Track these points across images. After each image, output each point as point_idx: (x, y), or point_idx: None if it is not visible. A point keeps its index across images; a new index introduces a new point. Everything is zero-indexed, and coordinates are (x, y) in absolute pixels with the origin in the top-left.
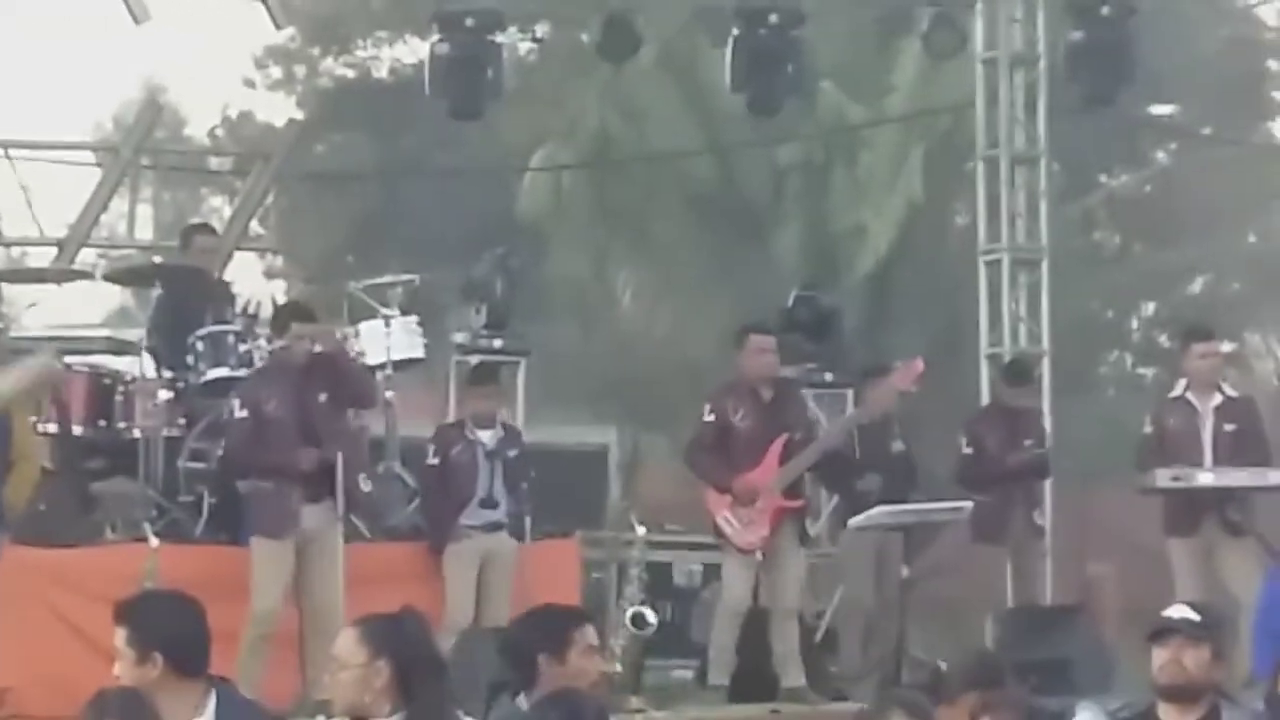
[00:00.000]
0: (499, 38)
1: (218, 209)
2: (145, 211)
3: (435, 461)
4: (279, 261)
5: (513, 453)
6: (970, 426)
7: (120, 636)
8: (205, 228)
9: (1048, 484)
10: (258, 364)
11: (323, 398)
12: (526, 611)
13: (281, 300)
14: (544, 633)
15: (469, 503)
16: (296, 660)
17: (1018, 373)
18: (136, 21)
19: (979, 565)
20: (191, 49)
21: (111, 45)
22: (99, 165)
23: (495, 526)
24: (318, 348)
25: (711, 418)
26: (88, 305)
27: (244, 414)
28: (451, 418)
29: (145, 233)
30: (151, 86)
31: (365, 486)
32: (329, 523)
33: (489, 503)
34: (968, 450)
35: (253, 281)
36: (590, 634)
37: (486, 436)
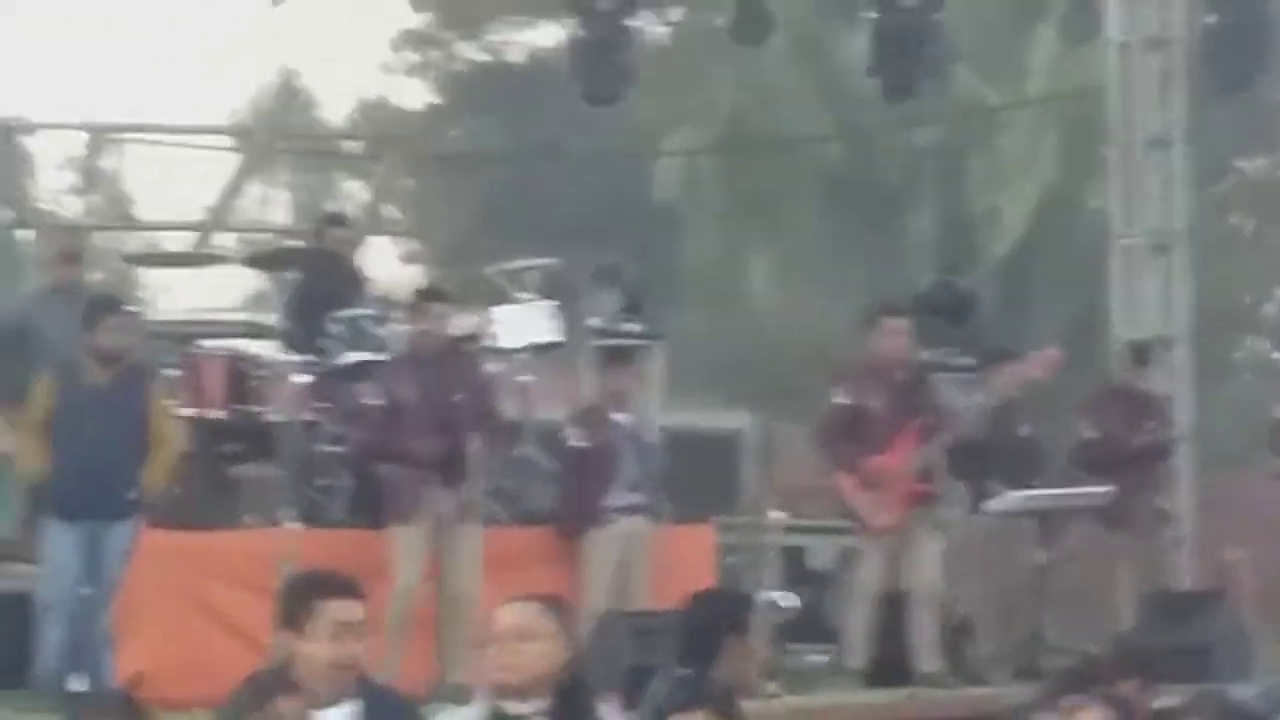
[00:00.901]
0: (633, 22)
1: (352, 193)
2: (280, 196)
3: (577, 444)
4: (414, 246)
5: (648, 436)
6: (1093, 410)
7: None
8: (338, 219)
9: (1178, 469)
10: (393, 348)
11: (458, 383)
12: (705, 593)
13: (417, 284)
14: (730, 613)
15: (611, 485)
16: (432, 646)
17: (1138, 354)
18: (274, 3)
19: (1111, 551)
20: (327, 33)
21: (248, 30)
22: (235, 150)
23: (635, 510)
24: (456, 334)
25: (843, 400)
26: (224, 289)
27: (379, 399)
28: (586, 401)
29: (281, 217)
30: (287, 71)
31: (499, 472)
32: (465, 508)
33: (632, 485)
34: (1090, 434)
35: (388, 266)
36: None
37: (626, 419)
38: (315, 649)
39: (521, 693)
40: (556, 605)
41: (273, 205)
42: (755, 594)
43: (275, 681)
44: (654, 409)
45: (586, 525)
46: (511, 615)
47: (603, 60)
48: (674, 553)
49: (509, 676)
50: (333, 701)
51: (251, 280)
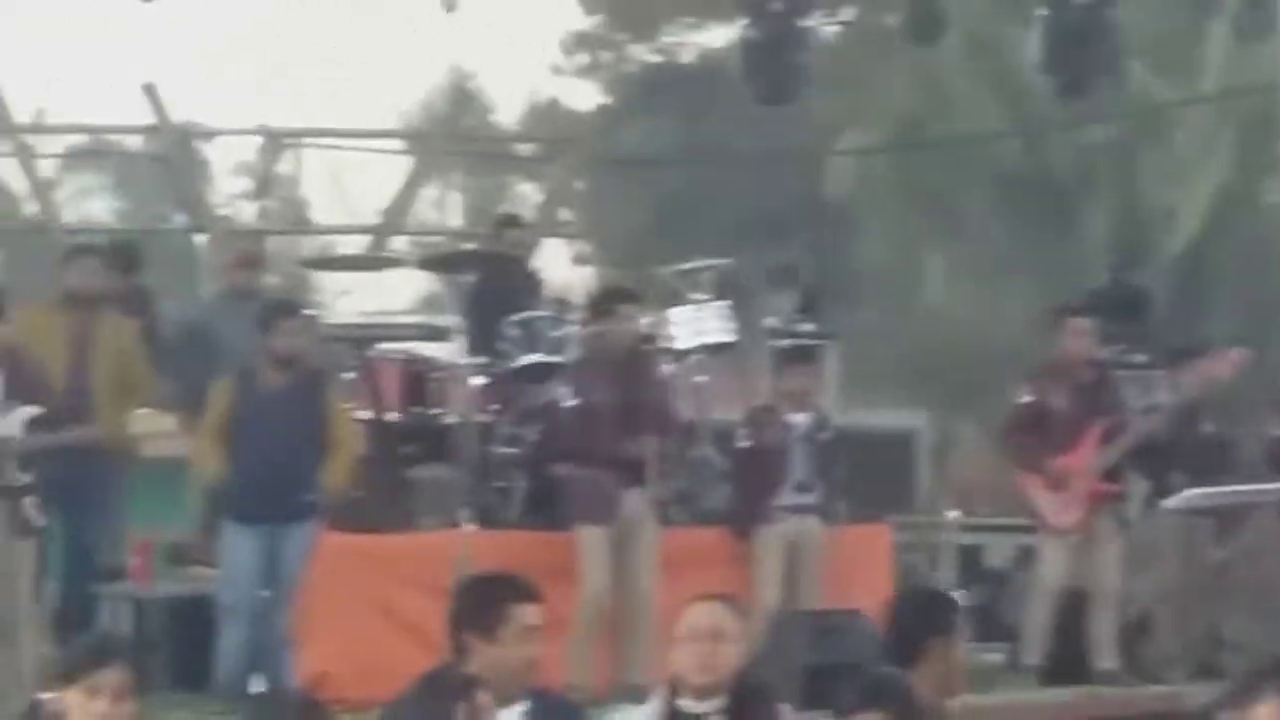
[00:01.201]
0: (805, 21)
1: (525, 195)
2: (453, 198)
3: (747, 444)
4: (586, 247)
5: (825, 436)
6: None
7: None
8: (515, 220)
9: None
10: (569, 350)
11: (640, 384)
12: (910, 592)
13: (592, 285)
14: (936, 614)
15: (781, 486)
16: (610, 646)
17: None
18: (447, 9)
19: None
20: (499, 36)
21: (419, 33)
22: (408, 153)
23: (806, 510)
24: (640, 334)
25: (1029, 399)
26: (397, 292)
27: (565, 400)
28: (760, 402)
29: (454, 219)
30: (459, 74)
31: (675, 473)
32: (644, 508)
33: (802, 486)
34: None
35: (562, 267)
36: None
37: (799, 419)
38: (505, 652)
39: (704, 692)
40: (738, 606)
41: (446, 208)
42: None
43: (457, 680)
44: (829, 408)
45: (756, 525)
46: (705, 615)
47: (775, 60)
48: (850, 552)
49: (703, 676)
50: (508, 703)
51: (424, 283)
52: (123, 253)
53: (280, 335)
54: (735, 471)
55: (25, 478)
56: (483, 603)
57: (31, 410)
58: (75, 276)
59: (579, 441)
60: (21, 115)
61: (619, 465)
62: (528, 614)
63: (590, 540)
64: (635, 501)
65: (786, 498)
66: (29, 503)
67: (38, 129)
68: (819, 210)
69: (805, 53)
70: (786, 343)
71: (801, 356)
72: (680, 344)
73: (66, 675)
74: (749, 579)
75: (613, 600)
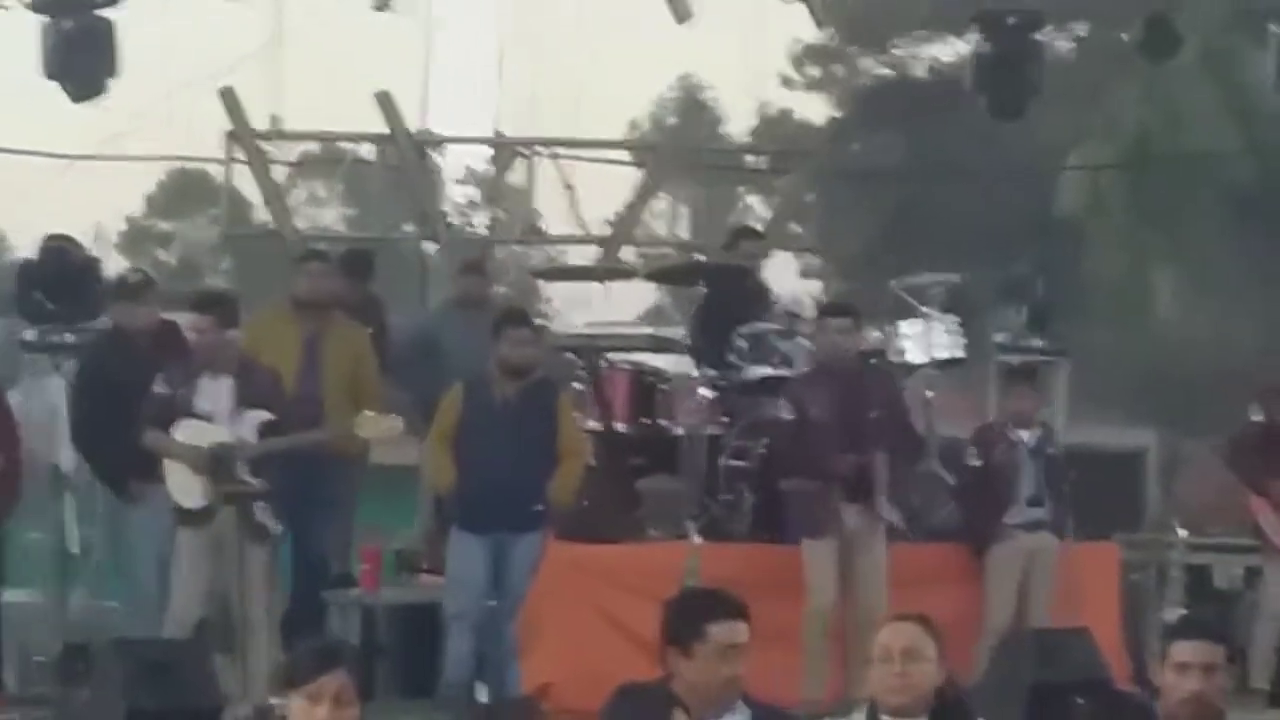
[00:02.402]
0: (1039, 36)
1: (753, 207)
2: (679, 210)
3: (977, 462)
4: (815, 260)
5: (1052, 451)
6: None
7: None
8: (753, 232)
9: None
10: (799, 364)
11: (869, 399)
12: None
13: (823, 299)
14: None
15: (1012, 502)
16: (841, 659)
17: None
18: (679, 20)
19: None
20: (729, 47)
21: (648, 43)
22: (638, 164)
23: (1038, 525)
24: (864, 349)
25: (1260, 418)
26: (625, 303)
27: (790, 414)
28: (991, 418)
29: (683, 230)
30: (689, 85)
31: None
32: (871, 523)
33: (1033, 501)
34: None
35: (789, 280)
36: None
37: (1027, 435)
38: (701, 669)
39: (901, 712)
40: (933, 626)
41: (671, 218)
42: (1138, 613)
43: (655, 695)
44: (1057, 424)
45: (988, 542)
46: (900, 635)
47: (1007, 74)
48: (1079, 570)
49: (899, 696)
50: (715, 717)
51: (652, 294)
52: (356, 260)
53: (510, 344)
54: (966, 490)
55: (257, 483)
56: (682, 619)
57: (263, 415)
58: (307, 283)
59: (801, 455)
60: (257, 122)
61: (842, 479)
62: (727, 632)
63: (814, 554)
64: (860, 516)
65: (1018, 514)
66: (261, 508)
67: (272, 136)
68: (1049, 226)
69: (1038, 67)
70: (1014, 359)
71: (1024, 376)
72: (910, 359)
73: (291, 680)
74: (979, 596)
75: (839, 614)
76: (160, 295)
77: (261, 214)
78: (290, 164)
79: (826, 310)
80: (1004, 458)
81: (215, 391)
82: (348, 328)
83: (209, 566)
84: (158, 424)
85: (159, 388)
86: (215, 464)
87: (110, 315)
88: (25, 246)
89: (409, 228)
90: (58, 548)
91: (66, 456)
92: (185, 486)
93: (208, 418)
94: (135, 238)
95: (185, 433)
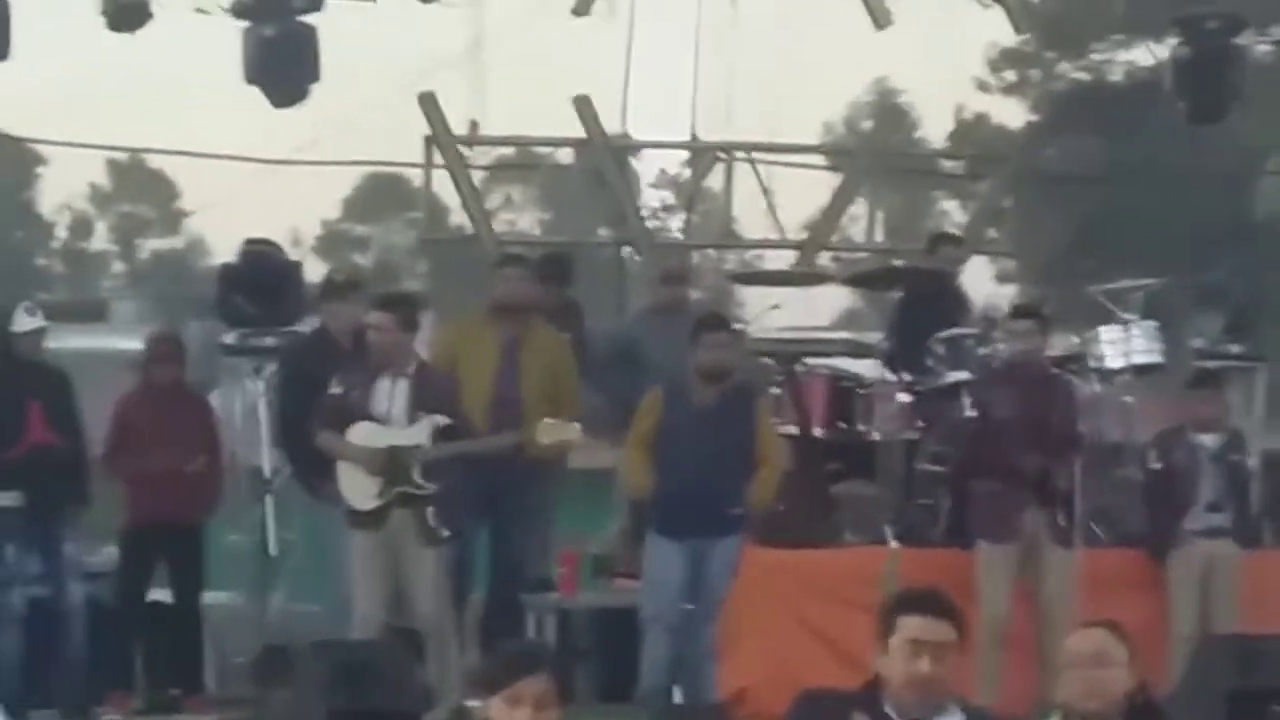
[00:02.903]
0: (1239, 40)
1: (948, 211)
2: (873, 214)
3: (1157, 465)
4: (1010, 265)
5: (1236, 458)
6: None
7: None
8: (951, 237)
9: None
10: (990, 366)
11: (1052, 403)
12: None
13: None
14: None
15: (1191, 507)
16: (1031, 664)
17: None
18: (878, 27)
19: None
20: (925, 51)
21: (843, 47)
22: (833, 168)
23: (1218, 532)
24: (1057, 354)
25: None
26: (821, 307)
27: (973, 414)
28: (1173, 423)
29: (879, 235)
30: (886, 89)
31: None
32: (1056, 527)
33: (1212, 507)
34: None
35: (985, 285)
36: None
37: (1208, 440)
38: (891, 664)
39: (1096, 717)
40: (1122, 631)
41: (870, 223)
42: None
43: (837, 701)
44: (1256, 431)
45: (1167, 547)
46: (1089, 641)
47: (1206, 78)
48: (1273, 577)
49: (1089, 702)
50: (925, 718)
51: (847, 298)
52: (554, 265)
53: (708, 349)
54: (1146, 493)
55: (431, 486)
56: (883, 614)
57: (439, 420)
58: (505, 287)
59: (984, 456)
60: (456, 126)
61: (1022, 482)
62: (917, 626)
63: (990, 558)
64: (1041, 519)
65: (1197, 520)
66: (432, 512)
67: (471, 140)
68: (1248, 231)
69: (1238, 71)
70: (1205, 364)
71: (1208, 380)
72: (1109, 363)
73: (489, 683)
74: (1163, 601)
75: (1016, 619)
76: (366, 296)
77: (458, 218)
78: (488, 168)
79: (1012, 312)
80: (1183, 462)
81: (391, 394)
82: (546, 333)
83: (382, 569)
84: (332, 425)
85: (334, 388)
86: (389, 467)
87: (319, 315)
88: (225, 250)
89: (605, 232)
90: (258, 550)
91: (266, 459)
92: (358, 489)
93: (383, 420)
94: (332, 241)
95: (360, 435)
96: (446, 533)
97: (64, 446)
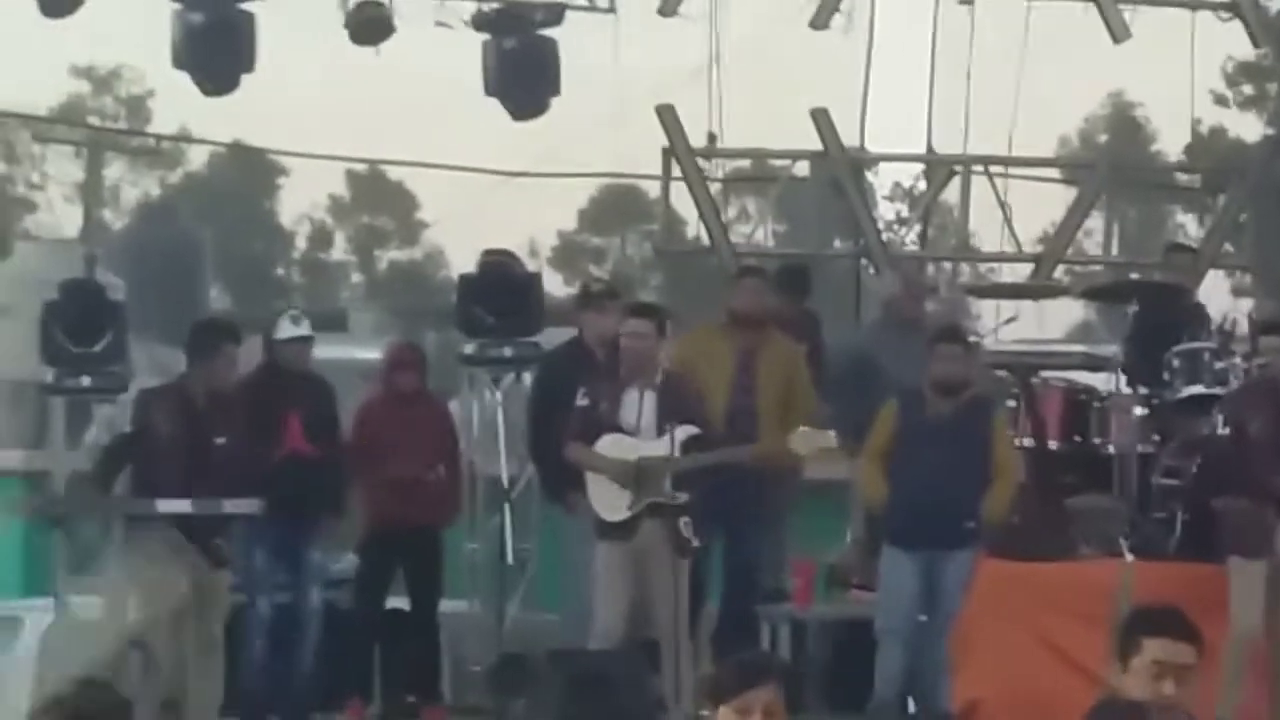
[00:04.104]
0: None
1: (1185, 225)
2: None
3: None
4: (1247, 279)
5: None
6: None
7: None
8: (1186, 248)
9: None
10: (1233, 382)
11: None
12: None
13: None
14: None
15: None
16: (1264, 684)
17: None
18: (1116, 40)
19: None
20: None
21: (1079, 60)
22: (1068, 182)
23: None
24: None
25: None
26: (1054, 320)
27: (1225, 430)
28: None
29: (1114, 248)
30: (1122, 102)
31: None
32: None
33: None
34: None
35: (1222, 299)
36: None
37: None
38: (1133, 685)
39: None
40: None
41: (1106, 237)
42: None
43: (1121, 711)
44: None
45: None
46: None
47: None
48: None
49: None
50: None
51: (1080, 311)
52: (793, 277)
53: (944, 361)
54: None
55: (681, 497)
56: (1124, 633)
57: (689, 430)
58: (743, 297)
59: (1237, 472)
60: (694, 139)
61: (1275, 500)
62: (1160, 648)
63: (1242, 575)
64: None
65: None
66: (684, 522)
67: (709, 153)
68: None
69: None
70: None
71: None
72: None
73: (719, 693)
74: None
75: (1268, 638)
76: (621, 307)
77: (694, 230)
78: (725, 180)
79: (1264, 329)
80: None
81: (640, 405)
82: (782, 343)
83: (630, 580)
84: (581, 437)
85: (581, 400)
86: (640, 478)
87: (575, 325)
88: (463, 261)
89: (841, 244)
90: (495, 559)
91: (504, 468)
92: (608, 500)
93: (632, 431)
94: (568, 253)
95: (609, 446)
96: (697, 543)
97: (321, 456)
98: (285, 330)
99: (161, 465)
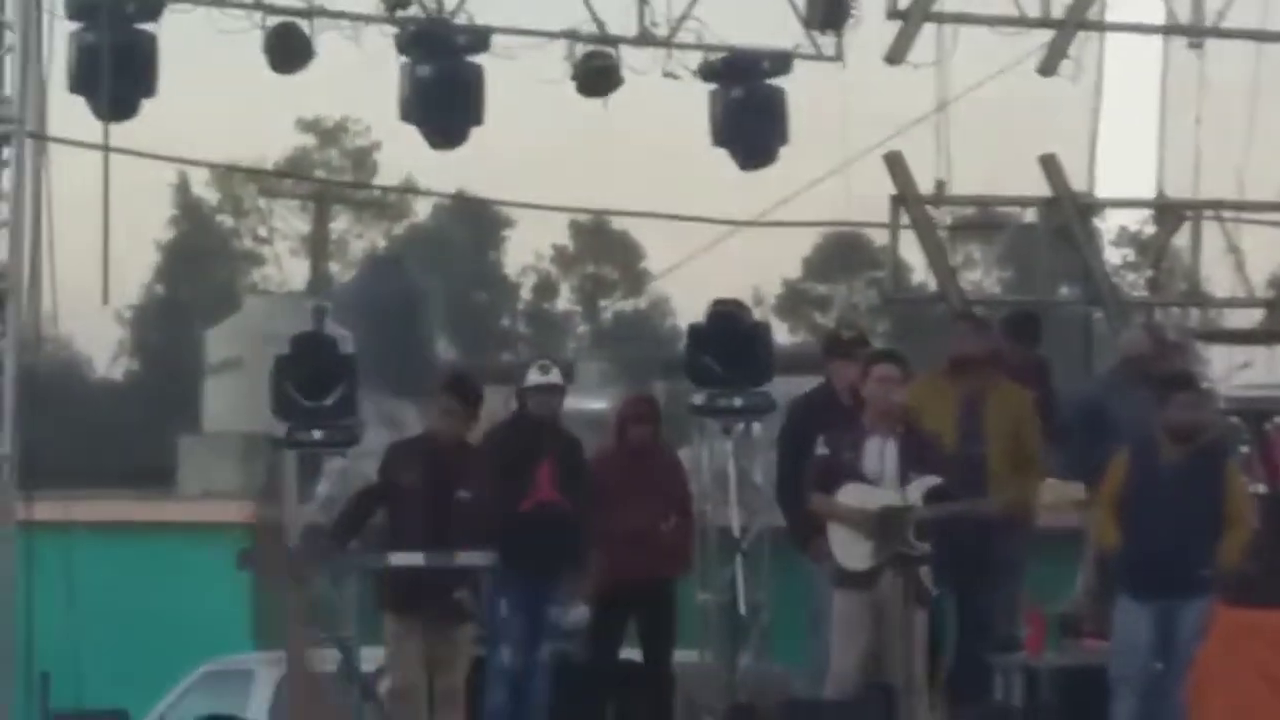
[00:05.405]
0: None
1: None
2: None
3: None
4: None
5: None
6: None
7: None
8: None
9: None
10: None
11: None
12: None
13: None
14: None
15: None
16: None
17: None
18: None
19: None
20: None
21: None
22: None
23: None
24: None
25: None
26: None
27: None
28: None
29: None
30: None
31: None
32: None
33: None
34: None
35: None
36: None
37: None
38: None
39: None
40: None
41: None
42: None
43: None
44: None
45: None
46: None
47: None
48: None
49: None
50: None
51: None
52: (1023, 323)
53: (1178, 408)
54: None
55: (924, 547)
56: None
57: (931, 480)
58: (962, 341)
59: None
60: (922, 186)
61: None
62: None
63: None
64: None
65: None
66: (925, 573)
67: (938, 200)
68: None
69: None
70: None
71: None
72: None
73: None
74: None
75: None
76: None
77: (920, 277)
78: (954, 228)
79: None
80: None
81: (882, 453)
82: (1009, 388)
83: (869, 629)
84: (821, 486)
85: (821, 449)
86: (883, 527)
87: (826, 372)
88: (688, 311)
89: (1067, 290)
90: (727, 609)
91: (735, 518)
92: (850, 548)
93: (875, 480)
94: (793, 300)
95: (852, 495)
96: (936, 593)
97: (568, 508)
98: (534, 378)
99: (407, 518)
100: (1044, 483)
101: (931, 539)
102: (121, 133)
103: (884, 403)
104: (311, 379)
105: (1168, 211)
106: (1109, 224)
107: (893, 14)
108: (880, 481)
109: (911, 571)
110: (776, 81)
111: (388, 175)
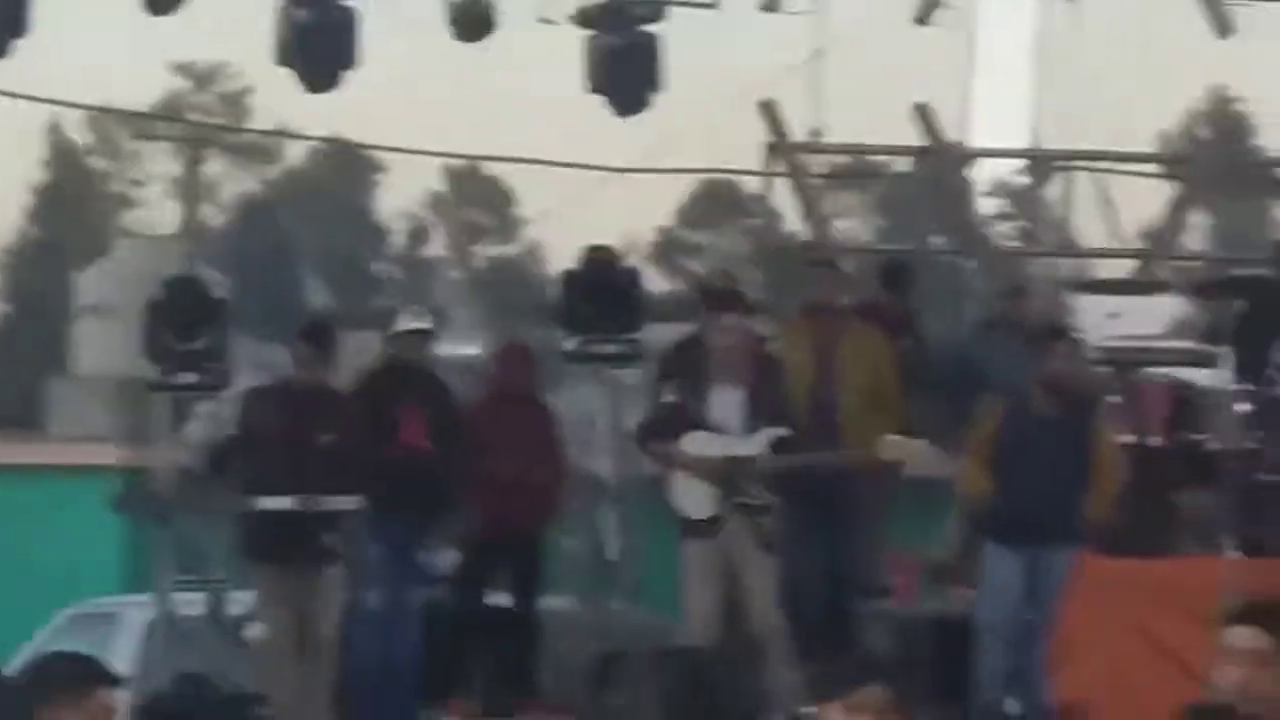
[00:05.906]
0: None
1: None
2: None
3: None
4: None
5: None
6: None
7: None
8: None
9: None
10: None
11: None
12: None
13: None
14: None
15: None
16: None
17: None
18: (1220, 35)
19: None
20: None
21: (1180, 55)
22: (1170, 177)
23: None
24: None
25: None
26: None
27: None
28: None
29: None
30: (1221, 98)
31: None
32: None
33: None
34: None
35: None
36: None
37: None
38: (1225, 674)
39: None
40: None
41: (1207, 232)
42: None
43: (1213, 713)
44: None
45: None
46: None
47: None
48: None
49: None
50: None
51: (1182, 307)
52: (895, 272)
53: (1051, 359)
54: None
55: (768, 497)
56: (1223, 627)
57: (776, 431)
58: (817, 288)
59: None
60: (796, 134)
61: None
62: (1235, 636)
63: None
64: None
65: None
66: (768, 520)
67: (810, 149)
68: None
69: None
70: None
71: None
72: None
73: (828, 692)
74: None
75: None
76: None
77: (793, 226)
78: (827, 176)
79: None
80: None
81: (728, 403)
82: (864, 333)
83: (717, 578)
84: (665, 434)
85: (667, 397)
86: (726, 476)
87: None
88: (562, 257)
89: (938, 240)
90: (596, 556)
91: (604, 465)
92: (693, 497)
93: (719, 429)
94: (666, 248)
95: (695, 444)
96: (778, 540)
97: (436, 454)
98: (404, 323)
99: (268, 463)
100: (885, 438)
101: (775, 489)
102: None
103: (727, 352)
104: (182, 322)
105: (1040, 162)
106: (982, 174)
107: None
108: (725, 430)
109: (753, 519)
110: (651, 28)
111: (261, 120)
